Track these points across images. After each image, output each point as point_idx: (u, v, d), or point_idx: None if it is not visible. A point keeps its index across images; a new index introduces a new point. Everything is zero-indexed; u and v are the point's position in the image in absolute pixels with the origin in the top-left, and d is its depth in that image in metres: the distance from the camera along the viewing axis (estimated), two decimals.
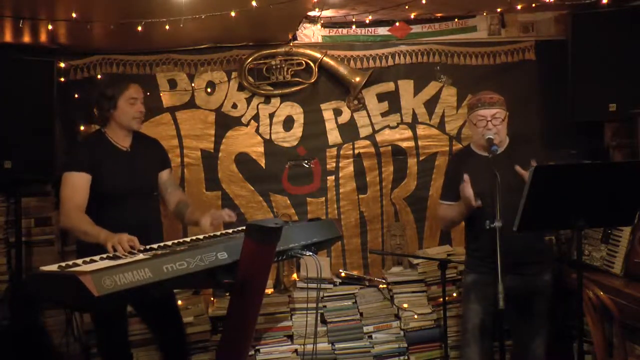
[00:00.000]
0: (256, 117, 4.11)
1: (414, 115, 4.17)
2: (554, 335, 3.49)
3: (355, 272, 4.04)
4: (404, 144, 4.18)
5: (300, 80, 4.06)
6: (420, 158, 4.19)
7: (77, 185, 2.91)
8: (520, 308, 2.95)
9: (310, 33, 4.09)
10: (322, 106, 4.14)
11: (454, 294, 3.80)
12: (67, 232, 3.21)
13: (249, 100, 4.10)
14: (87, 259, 2.36)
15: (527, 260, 2.93)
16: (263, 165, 4.13)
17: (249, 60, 4.01)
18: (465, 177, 2.86)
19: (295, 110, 4.13)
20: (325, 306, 3.81)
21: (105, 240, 2.61)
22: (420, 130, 4.18)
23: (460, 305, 3.24)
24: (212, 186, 4.09)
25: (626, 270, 3.12)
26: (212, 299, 3.83)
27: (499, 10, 4.02)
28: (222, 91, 4.08)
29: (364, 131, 4.17)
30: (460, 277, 3.65)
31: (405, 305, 3.85)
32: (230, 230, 2.98)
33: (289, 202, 4.14)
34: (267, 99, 4.11)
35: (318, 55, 4.03)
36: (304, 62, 4.03)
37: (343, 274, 3.94)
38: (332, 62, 4.05)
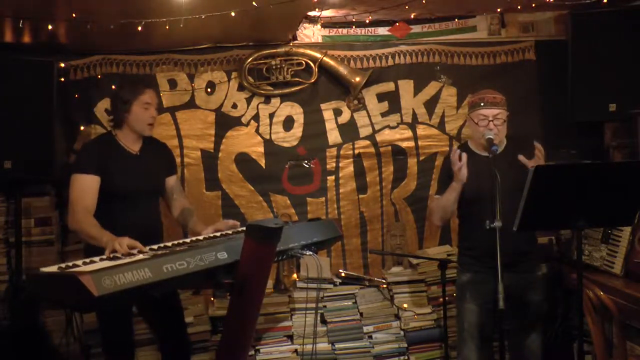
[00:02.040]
0: (256, 117, 4.11)
1: (414, 115, 4.17)
2: (554, 336, 3.50)
3: (355, 272, 4.04)
4: (404, 144, 4.18)
5: (300, 80, 4.06)
6: (420, 158, 4.18)
7: (85, 187, 2.91)
8: (515, 305, 2.96)
9: (310, 33, 4.09)
10: (322, 106, 4.14)
11: (454, 294, 3.80)
12: (73, 232, 3.21)
13: (249, 100, 4.10)
14: (87, 260, 2.36)
15: (520, 258, 2.93)
16: (263, 165, 4.13)
17: (249, 60, 4.01)
18: (463, 155, 2.87)
19: (295, 110, 4.13)
20: (325, 306, 3.81)
21: (106, 244, 2.61)
22: (420, 130, 4.18)
23: (455, 304, 3.23)
24: (212, 186, 4.09)
25: (626, 270, 3.12)
26: (212, 299, 3.82)
27: (499, 10, 4.03)
28: (222, 91, 4.08)
29: (364, 131, 4.17)
30: None
31: (405, 305, 3.85)
32: (230, 231, 2.98)
33: (289, 202, 4.14)
34: (267, 99, 4.11)
35: (318, 55, 4.03)
36: (304, 62, 4.04)
37: (343, 274, 3.94)
38: (332, 62, 4.05)
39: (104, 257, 2.45)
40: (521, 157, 2.80)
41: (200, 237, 2.84)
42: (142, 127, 3.06)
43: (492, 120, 2.95)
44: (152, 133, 3.13)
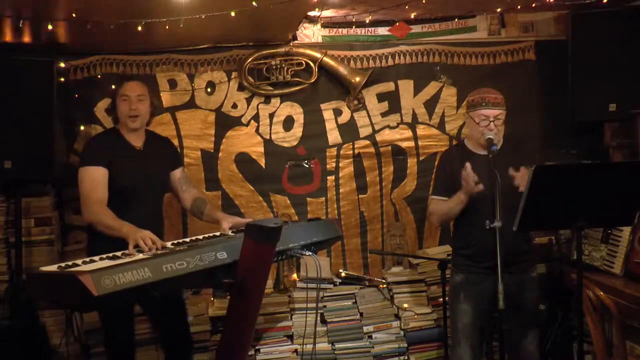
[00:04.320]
0: (256, 117, 4.11)
1: (414, 115, 4.17)
2: (553, 336, 3.50)
3: (355, 272, 4.04)
4: (404, 144, 4.18)
5: (300, 80, 4.06)
6: (420, 158, 4.19)
7: (96, 179, 2.91)
8: (511, 305, 2.96)
9: (310, 33, 4.09)
10: (322, 106, 4.14)
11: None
12: (90, 225, 3.14)
13: (249, 100, 4.10)
14: (87, 259, 2.36)
15: (515, 258, 2.92)
16: (263, 165, 4.13)
17: (249, 60, 4.01)
18: (467, 165, 2.84)
19: (295, 110, 4.13)
20: (325, 306, 3.81)
21: (127, 235, 2.60)
22: (420, 130, 4.18)
23: (449, 305, 3.23)
24: (212, 186, 4.09)
25: (626, 270, 3.12)
26: (212, 299, 3.83)
27: (499, 10, 4.02)
28: (222, 91, 4.08)
29: (364, 131, 4.17)
30: None
31: (405, 305, 3.85)
32: (230, 231, 2.98)
33: (289, 202, 4.14)
34: (267, 99, 4.10)
35: (318, 55, 4.03)
36: (304, 62, 4.03)
37: (343, 274, 3.94)
38: (332, 62, 4.05)
39: (104, 256, 2.45)
40: (511, 171, 2.80)
41: (200, 237, 2.85)
42: (124, 120, 3.06)
43: (493, 121, 2.95)
44: (136, 125, 3.07)
